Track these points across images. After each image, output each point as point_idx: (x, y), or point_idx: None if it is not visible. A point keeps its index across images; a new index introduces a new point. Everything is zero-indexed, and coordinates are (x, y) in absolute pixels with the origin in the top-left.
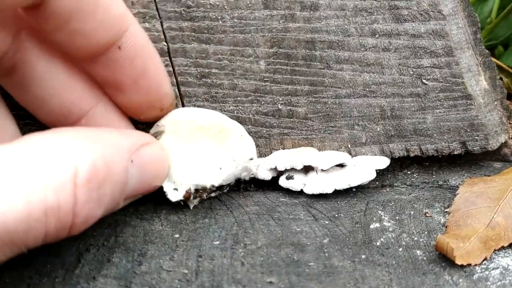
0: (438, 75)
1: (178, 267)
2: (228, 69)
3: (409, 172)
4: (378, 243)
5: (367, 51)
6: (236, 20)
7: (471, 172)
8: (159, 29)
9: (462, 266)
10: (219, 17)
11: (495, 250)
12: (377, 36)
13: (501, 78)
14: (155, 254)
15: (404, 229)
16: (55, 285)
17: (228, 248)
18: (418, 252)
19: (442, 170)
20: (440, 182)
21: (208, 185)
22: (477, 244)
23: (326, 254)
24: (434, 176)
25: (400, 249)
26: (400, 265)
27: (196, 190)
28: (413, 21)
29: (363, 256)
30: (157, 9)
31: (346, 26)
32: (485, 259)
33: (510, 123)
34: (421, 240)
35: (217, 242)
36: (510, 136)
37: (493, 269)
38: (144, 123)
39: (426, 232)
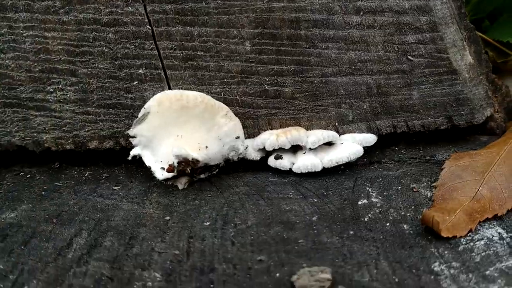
0: (423, 51)
1: (169, 248)
2: (214, 51)
3: (396, 148)
4: (366, 219)
5: (352, 29)
6: (219, 1)
7: (458, 146)
8: (142, 13)
9: (448, 238)
10: None
11: (480, 222)
12: (361, 13)
13: (486, 52)
14: (147, 237)
15: (391, 204)
16: (48, 270)
17: (219, 228)
18: (405, 226)
19: (429, 145)
20: (427, 157)
21: (189, 157)
22: (462, 216)
23: (315, 231)
24: (421, 152)
25: (388, 224)
26: (387, 240)
27: (179, 163)
28: None
29: (351, 232)
30: None
31: (330, 5)
32: (470, 230)
33: (496, 96)
34: (408, 214)
35: (208, 223)
36: (496, 110)
37: (478, 240)
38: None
39: (413, 207)
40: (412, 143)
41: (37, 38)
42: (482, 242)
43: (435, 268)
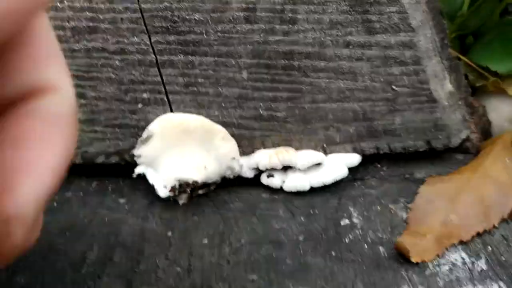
0: (407, 82)
1: (172, 265)
2: (213, 78)
3: (379, 165)
4: (347, 240)
5: (342, 61)
6: (219, 34)
7: (435, 164)
8: (147, 43)
9: (417, 262)
10: (204, 31)
11: (446, 247)
12: (351, 47)
13: (466, 76)
14: (152, 253)
15: (370, 226)
16: (66, 285)
17: (216, 246)
18: (381, 248)
19: (409, 163)
20: (407, 175)
21: (190, 180)
22: (431, 241)
23: (301, 251)
24: (401, 169)
25: (366, 246)
26: (364, 262)
27: (180, 185)
28: (384, 34)
29: (333, 253)
30: (145, 24)
31: (322, 39)
32: (438, 255)
33: (472, 118)
34: (384, 236)
35: (206, 241)
36: (472, 130)
37: (443, 264)
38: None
39: (389, 229)
40: (393, 161)
41: None
42: (447, 267)
43: None
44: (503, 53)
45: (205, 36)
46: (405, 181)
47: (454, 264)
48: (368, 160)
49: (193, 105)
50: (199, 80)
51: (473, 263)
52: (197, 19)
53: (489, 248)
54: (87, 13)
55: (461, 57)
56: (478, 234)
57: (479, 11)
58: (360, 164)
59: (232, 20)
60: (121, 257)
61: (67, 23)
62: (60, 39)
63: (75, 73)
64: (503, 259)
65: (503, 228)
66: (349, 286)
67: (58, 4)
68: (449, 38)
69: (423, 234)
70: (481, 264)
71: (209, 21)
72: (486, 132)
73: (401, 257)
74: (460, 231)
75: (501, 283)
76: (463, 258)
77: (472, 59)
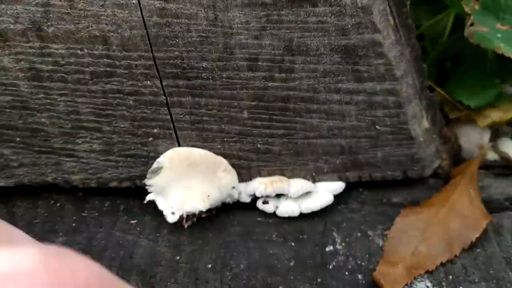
0: (389, 123)
1: None
2: (217, 117)
3: (360, 190)
4: (331, 267)
5: (332, 104)
6: (224, 80)
7: (409, 189)
8: (159, 86)
9: None
10: (210, 77)
11: (415, 276)
12: (341, 93)
13: (442, 109)
14: (163, 277)
15: (351, 252)
16: None
17: (218, 271)
18: (359, 276)
19: (387, 189)
20: (384, 200)
21: (197, 212)
22: (402, 270)
23: (292, 277)
24: (379, 194)
25: (347, 273)
26: None
27: (188, 216)
28: (371, 82)
29: (319, 280)
30: (157, 70)
31: (316, 85)
32: (407, 284)
33: (445, 146)
34: (363, 264)
35: (210, 266)
36: (443, 158)
37: None
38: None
39: (367, 256)
40: (373, 187)
41: (69, 103)
42: None
43: None
44: (475, 88)
45: (211, 81)
46: (384, 205)
47: None
48: (351, 186)
49: (198, 139)
50: (205, 118)
51: None
52: (204, 66)
53: (450, 277)
54: (105, 59)
55: (438, 89)
56: (442, 264)
57: (459, 39)
58: (345, 189)
59: (236, 68)
60: (137, 281)
61: (86, 68)
62: (80, 82)
63: (92, 110)
64: (461, 287)
65: (463, 258)
66: None
67: (78, 52)
68: (428, 62)
69: (396, 264)
70: None
71: (215, 68)
72: (457, 156)
73: (377, 285)
74: (427, 261)
75: None
76: (427, 287)
77: (448, 91)
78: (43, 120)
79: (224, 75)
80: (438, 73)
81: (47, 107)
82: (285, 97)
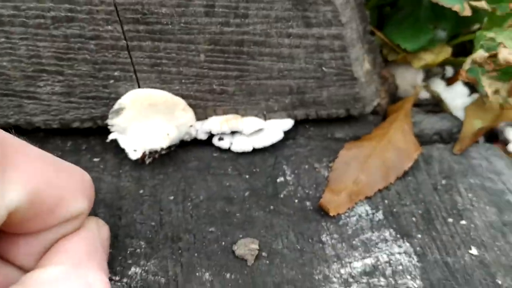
0: (334, 65)
1: (147, 220)
2: (175, 60)
3: (307, 126)
4: (282, 196)
5: (283, 48)
6: (182, 25)
7: (352, 125)
8: (119, 31)
9: (334, 215)
10: (169, 22)
11: (356, 201)
12: (291, 37)
13: (381, 51)
14: (129, 209)
15: (300, 183)
16: None
17: (180, 202)
18: (307, 203)
19: (331, 124)
20: (329, 135)
21: (158, 148)
22: (345, 197)
23: (247, 206)
24: (325, 130)
25: (296, 201)
26: (295, 214)
27: (150, 152)
28: (319, 27)
29: (272, 207)
30: (118, 15)
31: (268, 30)
32: (349, 209)
33: (383, 86)
34: (311, 192)
35: (172, 197)
36: (382, 97)
37: (352, 216)
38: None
39: (314, 185)
40: (319, 123)
41: (30, 47)
42: (354, 218)
43: (323, 239)
44: (411, 33)
45: (170, 26)
46: (328, 140)
47: (360, 216)
48: (298, 122)
49: (158, 81)
50: (164, 61)
51: (373, 214)
52: (164, 12)
53: (386, 201)
54: (66, 5)
55: (377, 32)
56: (379, 190)
57: None
58: (293, 126)
59: (193, 14)
60: (105, 213)
61: (47, 13)
62: (41, 26)
63: (54, 54)
64: (395, 210)
65: (397, 184)
66: (284, 235)
67: None
68: (369, 7)
69: (339, 191)
70: (379, 215)
71: (174, 14)
72: (394, 95)
73: (323, 210)
74: (366, 189)
75: (391, 230)
76: (366, 211)
77: (386, 35)
78: (4, 63)
79: (183, 21)
80: (378, 18)
81: (8, 51)
82: (239, 41)
